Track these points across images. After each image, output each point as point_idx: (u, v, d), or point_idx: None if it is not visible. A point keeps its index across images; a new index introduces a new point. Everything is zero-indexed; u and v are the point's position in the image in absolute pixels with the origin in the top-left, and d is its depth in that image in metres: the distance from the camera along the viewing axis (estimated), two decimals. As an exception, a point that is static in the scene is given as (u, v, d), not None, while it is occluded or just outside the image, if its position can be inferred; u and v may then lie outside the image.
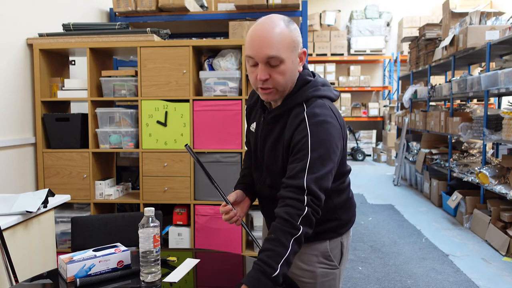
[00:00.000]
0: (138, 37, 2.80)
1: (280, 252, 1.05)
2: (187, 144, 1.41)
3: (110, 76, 2.86)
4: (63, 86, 2.89)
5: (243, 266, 1.59)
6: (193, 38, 4.15)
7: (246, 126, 1.43)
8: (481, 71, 5.09)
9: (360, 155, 9.23)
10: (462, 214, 4.34)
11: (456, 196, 4.43)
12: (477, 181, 4.09)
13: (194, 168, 2.75)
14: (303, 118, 1.17)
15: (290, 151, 1.18)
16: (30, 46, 2.81)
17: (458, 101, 6.55)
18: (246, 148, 1.56)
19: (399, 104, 7.94)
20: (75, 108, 3.25)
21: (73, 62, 3.23)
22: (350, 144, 9.67)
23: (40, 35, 2.83)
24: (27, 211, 1.80)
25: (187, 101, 2.74)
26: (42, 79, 2.84)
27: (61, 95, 2.87)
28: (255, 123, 1.36)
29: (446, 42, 5.12)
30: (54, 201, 2.05)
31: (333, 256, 1.34)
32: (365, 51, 9.60)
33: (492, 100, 7.22)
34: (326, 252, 1.33)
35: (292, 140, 1.17)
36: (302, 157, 1.12)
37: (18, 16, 2.69)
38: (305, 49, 1.23)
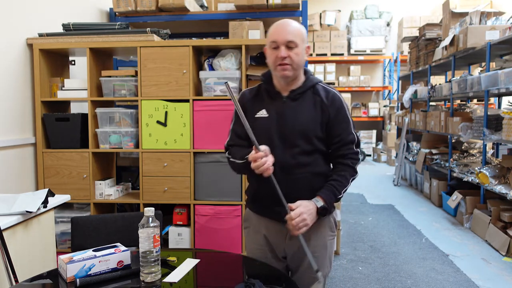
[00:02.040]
0: (138, 37, 2.80)
1: (344, 185, 1.54)
2: (226, 82, 1.50)
3: (110, 76, 2.86)
4: (63, 86, 2.89)
5: (243, 266, 1.59)
6: (193, 38, 4.15)
7: (241, 119, 1.50)
8: (481, 71, 5.09)
9: (360, 155, 9.22)
10: (462, 214, 4.34)
11: (456, 196, 4.43)
12: (477, 181, 4.09)
13: (194, 168, 2.75)
14: (336, 95, 1.58)
15: (333, 117, 1.55)
16: (30, 46, 2.81)
17: (458, 101, 6.55)
18: (235, 138, 1.66)
19: (399, 104, 7.94)
20: (75, 108, 3.25)
21: (73, 62, 3.23)
22: (350, 144, 9.65)
23: (40, 35, 2.83)
24: (27, 211, 1.80)
25: (187, 101, 2.74)
26: (42, 79, 2.84)
27: (61, 95, 2.87)
28: (264, 109, 1.58)
29: (446, 42, 5.12)
30: (54, 201, 2.05)
31: (334, 225, 1.67)
32: (365, 51, 9.60)
33: (492, 100, 7.21)
34: (331, 224, 1.65)
35: (335, 111, 1.56)
36: (345, 123, 1.56)
37: (18, 16, 2.69)
38: (309, 45, 1.59)
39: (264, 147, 1.45)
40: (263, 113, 1.58)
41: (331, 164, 1.64)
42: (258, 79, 2.74)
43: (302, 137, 1.54)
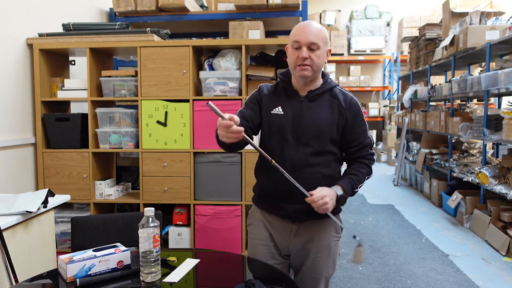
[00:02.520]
0: (138, 37, 2.80)
1: (361, 180, 1.62)
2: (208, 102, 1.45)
3: (110, 76, 2.86)
4: (63, 86, 2.89)
5: (243, 266, 1.59)
6: (193, 38, 4.15)
7: (253, 110, 1.60)
8: (481, 71, 5.09)
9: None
10: (462, 214, 4.34)
11: (456, 196, 4.43)
12: (477, 181, 4.09)
13: (194, 168, 2.75)
14: (354, 100, 1.61)
15: (350, 122, 1.59)
16: (30, 46, 2.81)
17: (458, 101, 6.55)
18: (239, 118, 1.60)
19: (399, 104, 7.94)
20: (75, 108, 3.25)
21: (73, 62, 3.23)
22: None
23: (40, 35, 2.83)
24: (27, 211, 1.80)
25: (187, 101, 2.74)
26: (42, 79, 2.84)
27: (61, 95, 2.87)
28: (280, 107, 1.60)
29: (446, 42, 5.12)
30: (54, 201, 2.05)
31: (340, 227, 1.68)
32: (365, 51, 9.59)
33: (492, 100, 7.21)
34: (337, 226, 1.66)
35: (353, 116, 1.60)
36: (362, 128, 1.62)
37: (18, 16, 2.69)
38: (330, 48, 1.60)
39: (228, 115, 1.40)
40: (278, 110, 1.60)
41: (347, 163, 1.68)
42: (258, 79, 2.75)
43: (316, 138, 1.56)
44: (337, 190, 1.53)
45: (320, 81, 1.62)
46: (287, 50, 1.59)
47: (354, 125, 1.60)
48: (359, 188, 1.62)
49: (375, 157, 1.68)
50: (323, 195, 1.46)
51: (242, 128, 1.38)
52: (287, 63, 1.59)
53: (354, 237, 1.58)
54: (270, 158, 1.47)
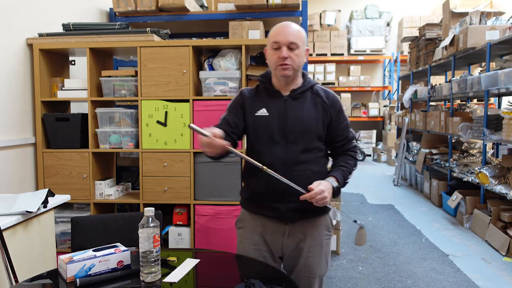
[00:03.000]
0: (138, 37, 2.80)
1: (350, 171, 1.64)
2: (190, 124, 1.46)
3: (110, 76, 2.86)
4: (63, 86, 2.89)
5: (243, 266, 1.59)
6: (193, 38, 4.15)
7: (233, 115, 1.64)
8: (481, 71, 5.09)
9: (360, 155, 9.24)
10: (462, 214, 4.34)
11: (456, 196, 4.43)
12: (477, 181, 4.09)
13: (194, 168, 2.75)
14: (335, 97, 1.66)
15: (335, 118, 1.63)
16: (30, 46, 2.81)
17: (458, 101, 6.55)
18: (224, 124, 1.67)
19: (399, 104, 7.94)
20: (75, 108, 3.25)
21: (73, 62, 3.23)
22: (350, 144, 9.66)
23: (40, 35, 2.83)
24: (27, 211, 1.80)
25: (187, 101, 2.74)
26: (42, 79, 2.84)
27: (61, 95, 2.87)
28: (264, 108, 1.61)
29: (446, 42, 5.12)
30: (54, 201, 2.05)
31: (331, 225, 1.71)
32: (365, 51, 9.60)
33: (492, 100, 7.22)
34: (328, 224, 1.69)
35: (336, 112, 1.64)
36: (345, 122, 1.66)
37: (18, 16, 2.69)
38: (308, 48, 1.63)
39: (209, 131, 1.43)
40: (263, 111, 1.61)
41: (334, 157, 1.71)
42: (258, 79, 2.74)
43: (304, 135, 1.58)
44: (332, 182, 1.55)
45: (300, 80, 1.65)
46: (266, 52, 1.62)
47: (338, 121, 1.64)
48: (349, 179, 1.66)
49: (357, 150, 1.73)
50: (321, 190, 1.47)
51: (225, 142, 1.42)
52: (268, 64, 1.62)
53: (355, 221, 1.60)
54: (261, 165, 1.48)
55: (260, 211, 1.65)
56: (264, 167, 1.48)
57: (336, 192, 1.57)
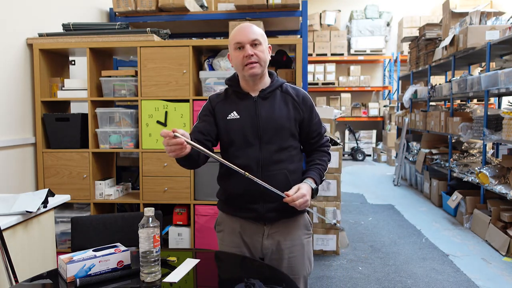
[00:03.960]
0: (138, 37, 2.80)
1: (325, 168, 1.68)
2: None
3: (110, 76, 2.86)
4: (63, 86, 2.89)
5: (243, 266, 1.59)
6: (193, 38, 4.15)
7: (204, 121, 1.63)
8: (481, 71, 5.09)
9: (360, 155, 9.24)
10: (462, 214, 4.34)
11: (456, 196, 4.43)
12: (477, 181, 4.09)
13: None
14: (306, 95, 1.67)
15: (307, 115, 1.63)
16: (30, 46, 2.81)
17: (458, 101, 6.55)
18: (195, 132, 1.62)
19: (399, 104, 7.94)
20: (75, 108, 3.25)
21: (73, 62, 3.23)
22: (350, 144, 9.67)
23: (40, 35, 2.83)
24: (27, 211, 1.80)
25: (187, 101, 2.74)
26: (42, 79, 2.84)
27: (61, 95, 2.87)
28: (234, 111, 1.61)
29: (446, 42, 5.12)
30: (54, 201, 2.05)
31: (309, 224, 1.71)
32: (365, 51, 9.60)
33: (492, 100, 7.22)
34: (306, 223, 1.69)
35: (308, 109, 1.65)
36: (317, 117, 1.68)
37: (18, 16, 2.69)
38: (270, 45, 1.66)
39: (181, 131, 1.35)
40: (234, 114, 1.60)
41: (308, 153, 1.73)
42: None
43: (277, 134, 1.58)
44: (311, 183, 1.56)
45: (268, 80, 1.64)
46: (229, 57, 1.62)
47: (310, 118, 1.65)
48: (324, 176, 1.68)
49: (329, 143, 1.76)
50: (303, 194, 1.48)
51: (181, 140, 1.33)
52: (234, 67, 1.61)
53: (335, 224, 1.61)
54: (244, 172, 1.45)
55: (238, 213, 1.63)
56: (246, 173, 1.45)
57: (315, 193, 1.57)
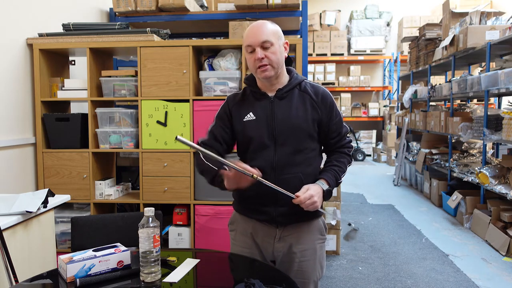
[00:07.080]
0: (138, 37, 2.80)
1: (343, 170, 1.60)
2: (177, 136, 1.38)
3: (110, 76, 2.86)
4: (63, 86, 2.89)
5: (243, 266, 1.59)
6: (193, 38, 4.15)
7: (224, 124, 1.61)
8: (481, 71, 5.09)
9: (360, 155, 9.24)
10: (462, 214, 4.34)
11: (456, 196, 4.43)
12: (477, 181, 4.09)
13: (194, 168, 2.75)
14: (326, 93, 1.59)
15: (326, 115, 1.57)
16: (30, 46, 2.81)
17: (458, 101, 6.55)
18: (211, 140, 1.61)
19: (399, 104, 7.94)
20: (75, 108, 3.25)
21: (73, 62, 3.23)
22: (350, 144, 9.66)
23: (40, 35, 2.83)
24: (27, 211, 1.80)
25: (187, 101, 2.74)
26: (42, 79, 2.84)
27: (61, 95, 2.87)
28: (251, 112, 1.57)
29: (446, 42, 5.12)
30: (54, 201, 2.05)
31: (324, 229, 1.66)
32: (365, 51, 9.60)
33: (492, 100, 7.21)
34: (321, 228, 1.64)
35: (327, 108, 1.57)
36: (338, 117, 1.60)
37: (18, 16, 2.69)
38: (287, 41, 1.58)
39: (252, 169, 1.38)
40: (250, 116, 1.57)
41: (328, 154, 1.66)
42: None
43: (293, 136, 1.53)
44: (323, 185, 1.50)
45: (286, 78, 1.59)
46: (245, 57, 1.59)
47: (330, 118, 1.58)
48: (342, 178, 1.61)
49: (352, 144, 1.68)
50: (311, 195, 1.43)
51: (255, 172, 1.37)
52: (249, 69, 1.59)
53: (349, 224, 1.57)
54: (255, 175, 1.39)
55: (250, 214, 1.62)
56: (254, 175, 1.38)
57: (328, 195, 1.53)
